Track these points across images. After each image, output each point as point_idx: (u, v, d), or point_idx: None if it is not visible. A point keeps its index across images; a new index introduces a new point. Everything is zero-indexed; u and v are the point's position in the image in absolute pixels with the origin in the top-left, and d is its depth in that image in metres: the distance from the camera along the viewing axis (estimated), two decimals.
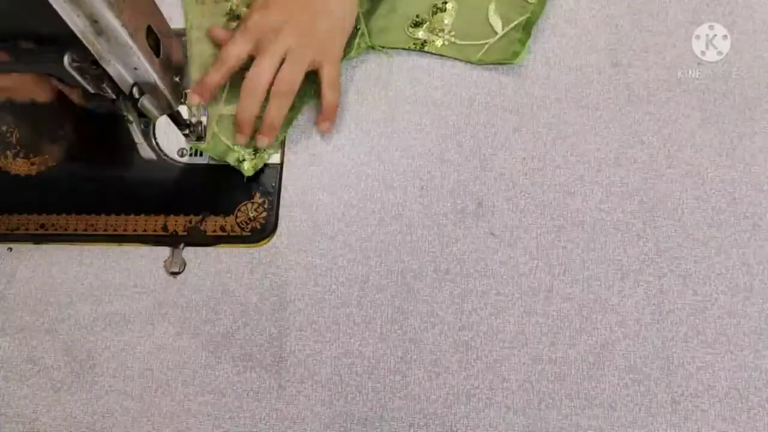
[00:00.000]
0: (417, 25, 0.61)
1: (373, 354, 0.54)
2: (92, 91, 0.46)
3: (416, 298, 0.55)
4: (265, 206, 0.57)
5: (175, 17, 0.62)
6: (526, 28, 0.60)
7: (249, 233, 0.57)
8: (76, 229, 0.57)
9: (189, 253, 0.57)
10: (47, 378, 0.55)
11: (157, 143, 0.59)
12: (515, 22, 0.60)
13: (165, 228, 0.57)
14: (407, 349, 0.54)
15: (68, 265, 0.57)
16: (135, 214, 0.57)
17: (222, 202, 0.57)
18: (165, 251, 0.57)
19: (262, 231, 0.57)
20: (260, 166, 0.58)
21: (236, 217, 0.57)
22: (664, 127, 0.58)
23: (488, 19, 0.61)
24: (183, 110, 0.56)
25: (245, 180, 0.58)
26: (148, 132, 0.59)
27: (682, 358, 0.53)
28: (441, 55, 0.61)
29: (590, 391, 0.53)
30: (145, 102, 0.48)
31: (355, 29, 0.60)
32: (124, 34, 0.42)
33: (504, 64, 0.60)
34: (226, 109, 0.59)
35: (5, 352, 0.56)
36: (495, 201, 0.57)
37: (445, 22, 0.61)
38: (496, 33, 0.60)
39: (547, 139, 0.58)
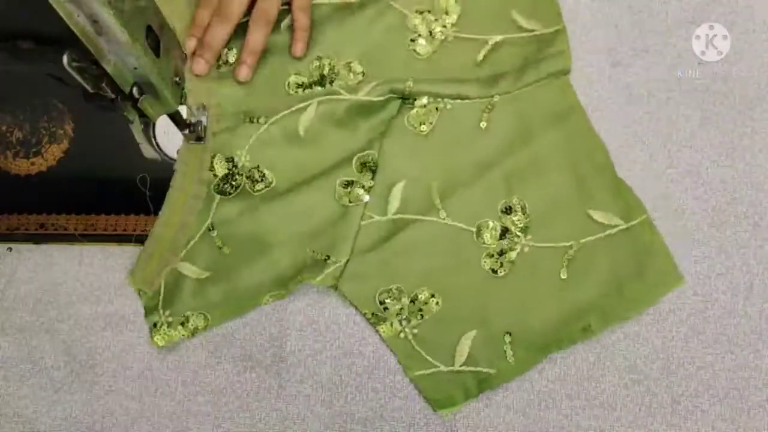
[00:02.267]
0: (392, 298, 0.53)
1: (373, 354, 0.54)
2: (92, 91, 0.46)
3: None
4: None
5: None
6: (482, 385, 0.52)
7: None
8: (76, 229, 0.57)
9: None
10: (47, 378, 0.55)
11: (157, 143, 0.59)
12: (477, 369, 0.52)
13: None
14: None
15: (68, 265, 0.57)
16: (135, 214, 0.57)
17: None
18: None
19: None
20: (174, 340, 0.54)
21: None
22: (664, 127, 0.58)
23: (457, 343, 0.53)
24: (183, 110, 0.56)
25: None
26: (149, 132, 0.59)
27: (682, 358, 0.53)
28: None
29: (590, 391, 0.53)
30: (145, 102, 0.48)
31: (329, 258, 0.54)
32: (124, 34, 0.42)
33: (428, 402, 0.52)
34: (183, 266, 0.55)
35: (5, 352, 0.56)
36: None
37: (419, 314, 0.53)
38: (453, 365, 0.52)
39: None
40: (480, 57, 0.58)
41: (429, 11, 0.58)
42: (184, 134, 0.57)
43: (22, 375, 0.55)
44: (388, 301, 0.53)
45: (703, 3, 0.60)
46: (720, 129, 0.58)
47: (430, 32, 0.58)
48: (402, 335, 0.53)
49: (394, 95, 0.56)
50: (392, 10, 0.58)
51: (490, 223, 0.54)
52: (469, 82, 0.57)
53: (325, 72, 0.57)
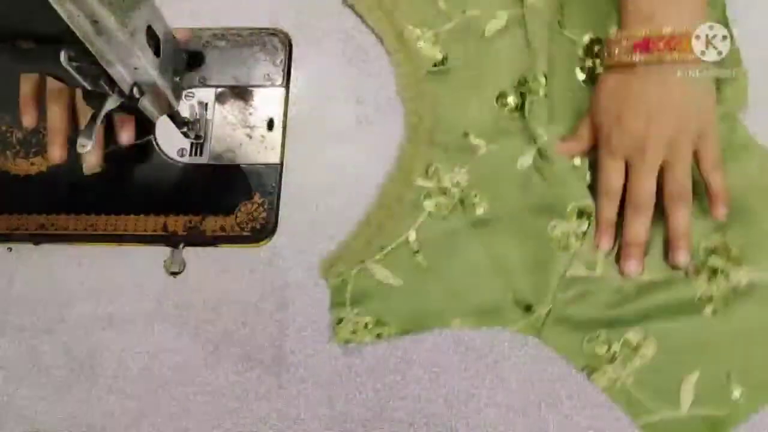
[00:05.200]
0: (602, 341, 0.51)
1: (373, 354, 0.54)
2: (89, 88, 0.46)
3: None
4: (265, 206, 0.57)
5: (174, 17, 0.62)
6: (715, 428, 0.49)
7: (249, 233, 0.57)
8: (76, 229, 0.57)
9: (189, 253, 0.57)
10: (47, 378, 0.55)
11: (157, 143, 0.59)
12: (705, 413, 0.49)
13: (165, 228, 0.57)
14: (407, 349, 0.54)
15: (68, 265, 0.57)
16: (135, 214, 0.57)
17: (222, 202, 0.57)
18: (165, 251, 0.57)
19: (262, 231, 0.57)
20: (356, 341, 0.53)
21: (236, 217, 0.57)
22: None
23: (681, 387, 0.50)
24: (183, 110, 0.56)
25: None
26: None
27: None
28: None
29: (590, 391, 0.53)
30: (145, 102, 0.48)
31: (531, 307, 0.52)
32: (124, 34, 0.42)
33: None
34: (374, 267, 0.54)
35: (5, 352, 0.56)
36: None
37: (637, 356, 0.51)
38: (679, 408, 0.50)
39: None
40: None
41: None
42: (182, 133, 0.57)
43: (22, 375, 0.55)
44: (597, 348, 0.51)
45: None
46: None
47: None
48: (618, 384, 0.51)
49: None
50: None
51: (700, 258, 0.52)
52: None
53: None
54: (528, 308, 0.52)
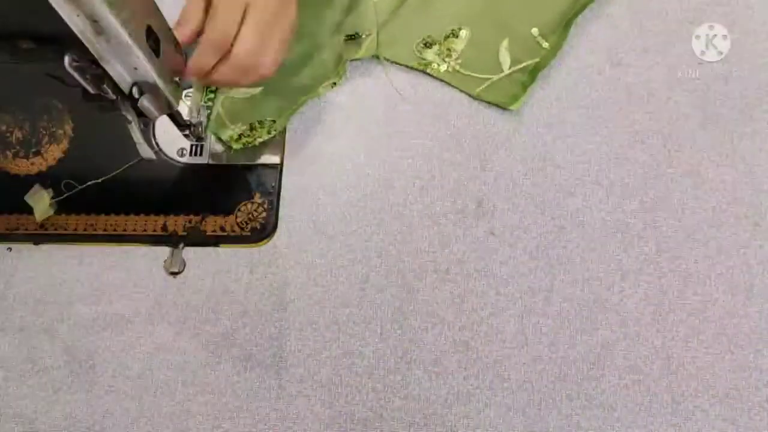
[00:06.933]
0: (426, 45, 0.60)
1: (373, 354, 0.54)
2: (92, 91, 0.46)
3: (416, 298, 0.55)
4: (265, 206, 0.57)
5: (175, 17, 0.62)
6: (533, 72, 0.59)
7: (249, 233, 0.57)
8: (76, 229, 0.57)
9: (189, 253, 0.57)
10: (47, 378, 0.55)
11: (156, 143, 0.59)
12: (524, 64, 0.59)
13: (165, 228, 0.57)
14: (407, 349, 0.54)
15: (68, 265, 0.57)
16: (135, 214, 0.57)
17: (222, 202, 0.57)
18: (165, 251, 0.57)
19: (262, 231, 0.57)
20: (250, 144, 0.58)
21: (236, 217, 0.57)
22: (664, 127, 0.58)
23: (498, 54, 0.60)
24: (183, 110, 0.56)
25: (232, 151, 0.59)
26: (148, 132, 0.59)
27: (682, 358, 0.53)
28: (441, 80, 0.60)
29: (590, 391, 0.53)
30: (145, 102, 0.48)
31: (366, 34, 0.61)
32: (124, 34, 0.42)
33: (500, 106, 0.59)
34: (233, 91, 0.60)
35: (5, 352, 0.56)
36: (495, 201, 0.57)
37: (455, 48, 0.60)
38: (502, 71, 0.59)
39: (547, 139, 0.58)
40: None
41: None
42: (183, 134, 0.57)
43: (22, 375, 0.55)
44: (426, 48, 0.60)
45: (703, 3, 0.60)
46: (720, 129, 0.58)
47: None
48: (450, 69, 0.60)
49: None
50: None
51: None
52: None
53: None
54: (357, 36, 0.61)
